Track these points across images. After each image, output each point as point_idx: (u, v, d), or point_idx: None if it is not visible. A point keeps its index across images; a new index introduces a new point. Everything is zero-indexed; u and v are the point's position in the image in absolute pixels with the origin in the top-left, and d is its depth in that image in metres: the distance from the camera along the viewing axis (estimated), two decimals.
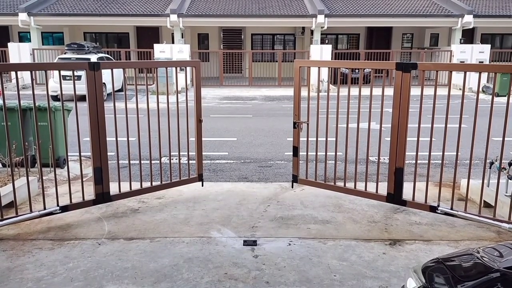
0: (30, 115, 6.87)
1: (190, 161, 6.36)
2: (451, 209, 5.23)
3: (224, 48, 25.83)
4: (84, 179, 5.58)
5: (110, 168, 5.57)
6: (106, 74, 5.85)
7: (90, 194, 5.61)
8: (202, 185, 6.42)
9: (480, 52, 20.90)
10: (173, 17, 20.59)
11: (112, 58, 20.66)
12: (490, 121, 4.94)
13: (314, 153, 6.26)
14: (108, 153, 5.51)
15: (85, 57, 16.80)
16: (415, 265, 3.14)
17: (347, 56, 22.83)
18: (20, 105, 5.03)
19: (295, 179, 6.35)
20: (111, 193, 5.59)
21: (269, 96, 18.77)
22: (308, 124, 6.11)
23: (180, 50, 20.53)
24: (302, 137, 6.20)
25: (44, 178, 5.72)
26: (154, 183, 6.03)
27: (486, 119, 5.01)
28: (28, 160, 6.07)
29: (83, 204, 5.45)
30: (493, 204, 5.12)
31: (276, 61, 22.18)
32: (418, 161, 5.53)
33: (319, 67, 6.08)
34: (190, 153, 6.26)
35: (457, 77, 16.85)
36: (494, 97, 5.14)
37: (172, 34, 22.42)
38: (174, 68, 6.25)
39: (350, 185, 5.95)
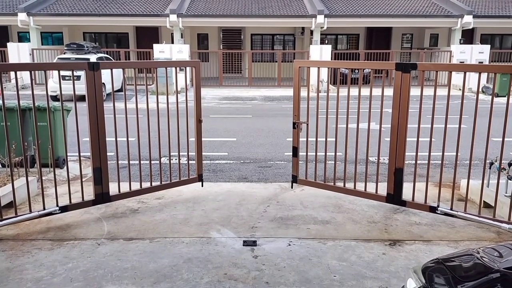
0: (30, 115, 6.86)
1: (190, 162, 6.35)
2: (451, 209, 5.23)
3: (223, 48, 25.83)
4: (83, 180, 5.58)
5: (109, 169, 5.57)
6: (105, 74, 5.86)
7: (89, 194, 5.61)
8: (202, 186, 6.42)
9: (480, 53, 20.91)
10: (173, 17, 20.59)
11: (111, 58, 20.65)
12: (490, 122, 4.94)
13: (314, 154, 6.26)
14: (108, 153, 5.51)
15: (84, 57, 16.78)
16: (415, 266, 3.13)
17: (347, 56, 22.84)
18: (19, 105, 5.03)
19: (294, 180, 6.34)
20: (111, 193, 5.58)
21: (268, 96, 18.77)
22: (307, 124, 6.10)
23: (180, 50, 20.52)
24: (301, 137, 6.20)
25: (43, 178, 5.71)
26: (153, 184, 6.02)
27: (486, 120, 5.01)
28: (28, 160, 6.06)
29: (83, 204, 5.44)
30: (493, 205, 5.12)
31: (276, 61, 22.18)
32: (418, 162, 5.53)
33: (318, 67, 6.08)
34: (189, 153, 6.25)
35: (456, 77, 16.84)
36: (494, 97, 5.14)
37: (172, 34, 22.42)
38: (173, 68, 6.25)
39: (349, 185, 5.95)
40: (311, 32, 22.52)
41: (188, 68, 6.80)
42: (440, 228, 5.20)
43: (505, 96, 5.14)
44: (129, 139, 5.63)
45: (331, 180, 6.11)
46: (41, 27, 21.83)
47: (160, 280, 4.04)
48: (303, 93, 6.28)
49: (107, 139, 5.44)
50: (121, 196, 5.72)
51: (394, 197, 5.55)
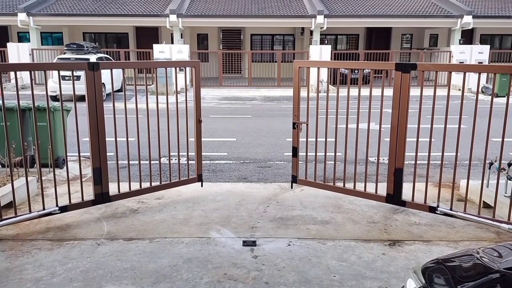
0: (29, 115, 6.87)
1: (190, 162, 6.35)
2: (451, 209, 5.23)
3: (223, 48, 25.83)
4: (83, 180, 5.57)
5: (109, 169, 5.56)
6: (105, 74, 5.86)
7: (89, 194, 5.60)
8: (202, 186, 6.42)
9: (480, 53, 20.92)
10: (173, 17, 20.59)
11: (111, 58, 20.65)
12: (490, 122, 4.94)
13: (314, 154, 6.26)
14: (108, 154, 5.51)
15: (84, 57, 16.78)
16: (415, 266, 3.13)
17: (347, 56, 22.85)
18: (19, 105, 5.02)
19: (294, 180, 6.34)
20: (110, 193, 5.58)
21: (268, 97, 18.77)
22: (307, 124, 6.11)
23: (180, 51, 20.53)
24: (301, 137, 6.20)
25: (43, 178, 5.71)
26: (153, 184, 6.02)
27: (485, 120, 5.01)
28: (27, 160, 6.06)
29: (82, 204, 5.44)
30: (493, 205, 5.12)
31: (276, 62, 22.19)
32: (418, 162, 5.53)
33: (318, 68, 6.08)
34: (189, 154, 6.25)
35: (456, 77, 16.85)
36: (493, 97, 5.14)
37: (172, 34, 22.42)
38: (173, 68, 6.24)
39: (349, 185, 5.95)
40: (311, 32, 22.53)
41: (188, 68, 6.80)
42: (440, 228, 5.20)
43: (504, 96, 5.15)
44: (129, 139, 5.63)
45: (331, 180, 6.11)
46: (41, 27, 21.82)
47: (160, 280, 4.04)
48: (303, 93, 6.28)
49: (106, 139, 5.43)
50: (120, 196, 5.72)
51: (394, 197, 5.55)
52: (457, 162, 5.26)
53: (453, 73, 5.34)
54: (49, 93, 7.61)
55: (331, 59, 20.62)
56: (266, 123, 12.72)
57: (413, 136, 5.44)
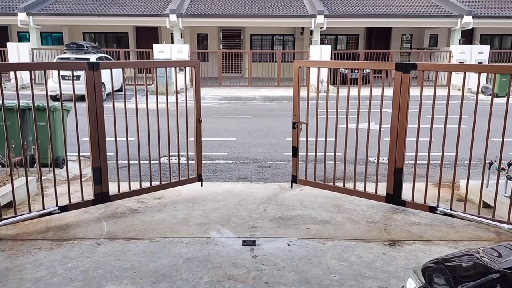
0: (29, 115, 6.86)
1: (190, 161, 6.35)
2: (451, 209, 5.23)
3: (223, 48, 25.83)
4: (83, 179, 5.57)
5: (109, 168, 5.56)
6: (105, 74, 5.86)
7: (89, 194, 5.60)
8: (202, 185, 6.42)
9: (479, 53, 20.92)
10: (173, 17, 20.58)
11: (111, 58, 20.64)
12: (490, 122, 4.94)
13: (314, 154, 6.26)
14: (107, 153, 5.50)
15: (84, 57, 16.78)
16: (415, 266, 3.13)
17: (347, 56, 22.85)
18: (19, 105, 5.02)
19: (294, 180, 6.34)
20: (110, 193, 5.58)
21: (268, 97, 18.77)
22: (307, 124, 6.10)
23: (180, 50, 20.52)
24: (301, 137, 6.20)
25: (43, 178, 5.70)
26: (153, 183, 6.02)
27: (485, 120, 5.01)
28: (27, 160, 6.06)
29: (82, 204, 5.44)
30: (492, 205, 5.12)
31: (276, 62, 22.19)
32: (418, 162, 5.53)
33: (318, 68, 6.08)
34: (189, 153, 6.25)
35: (456, 77, 16.86)
36: (493, 97, 5.14)
37: (172, 34, 22.41)
38: (173, 68, 6.24)
39: (349, 185, 5.95)
40: (311, 32, 22.53)
41: (187, 68, 6.80)
42: (440, 228, 5.20)
43: (504, 96, 5.15)
44: (129, 139, 5.62)
45: (331, 180, 6.11)
46: (41, 27, 21.82)
47: (160, 280, 4.04)
48: (303, 93, 6.28)
49: (106, 139, 5.43)
50: (120, 196, 5.72)
51: (394, 197, 5.55)
52: (457, 162, 5.26)
53: (453, 73, 5.34)
54: (49, 93, 7.62)
55: (331, 59, 20.62)
56: (266, 123, 12.72)
57: (413, 136, 5.44)
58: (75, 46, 17.79)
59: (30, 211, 5.08)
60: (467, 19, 20.77)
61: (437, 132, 5.57)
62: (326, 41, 24.10)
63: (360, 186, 5.85)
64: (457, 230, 5.15)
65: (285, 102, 17.01)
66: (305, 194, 6.29)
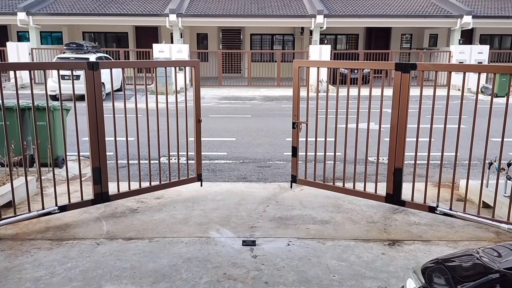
0: (29, 114, 6.86)
1: (189, 161, 6.35)
2: (450, 209, 5.23)
3: (223, 48, 25.82)
4: (82, 179, 5.57)
5: (108, 168, 5.56)
6: (105, 74, 5.85)
7: (88, 194, 5.60)
8: (201, 185, 6.42)
9: (479, 53, 20.93)
10: (172, 17, 20.58)
11: (111, 58, 20.63)
12: (489, 122, 4.94)
13: (313, 153, 6.26)
14: (107, 153, 5.50)
15: (84, 56, 16.77)
16: (415, 266, 3.13)
17: (346, 56, 22.85)
18: (18, 105, 5.02)
19: (294, 179, 6.34)
20: (110, 193, 5.58)
21: (268, 96, 18.77)
22: (307, 124, 6.10)
23: (179, 50, 20.52)
24: (301, 137, 6.20)
25: (42, 178, 5.70)
26: (153, 183, 6.02)
27: (485, 120, 5.01)
28: (27, 159, 6.05)
29: (82, 204, 5.44)
30: (492, 205, 5.12)
31: (275, 61, 22.20)
32: (417, 162, 5.53)
33: (318, 67, 6.08)
34: (189, 153, 6.25)
35: (456, 77, 16.86)
36: (493, 97, 5.14)
37: (171, 34, 22.41)
38: (173, 68, 6.24)
39: (349, 185, 5.95)
40: (311, 32, 22.53)
41: (187, 68, 6.80)
42: (439, 228, 5.20)
43: (504, 96, 5.15)
44: (129, 139, 5.62)
45: (331, 180, 6.11)
46: (41, 26, 21.80)
47: (159, 280, 4.03)
48: (303, 93, 6.28)
49: (106, 138, 5.43)
50: (120, 195, 5.72)
51: (394, 197, 5.55)
52: (457, 162, 5.26)
53: (452, 73, 5.34)
54: (49, 93, 7.61)
55: (330, 59, 20.63)
56: (265, 122, 12.72)
57: (413, 136, 5.44)
58: (74, 45, 17.78)
59: (29, 210, 5.08)
60: (467, 19, 20.78)
61: (436, 132, 5.57)
62: (325, 41, 24.10)
63: (359, 186, 5.85)
64: (457, 230, 5.15)
65: (285, 102, 17.01)
66: (305, 194, 6.29)
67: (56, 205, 5.22)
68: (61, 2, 22.36)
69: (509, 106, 4.69)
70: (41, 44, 23.28)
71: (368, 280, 4.06)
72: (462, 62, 20.25)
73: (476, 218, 5.09)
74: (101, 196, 5.50)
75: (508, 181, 5.46)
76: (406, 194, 5.52)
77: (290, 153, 6.40)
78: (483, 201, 5.45)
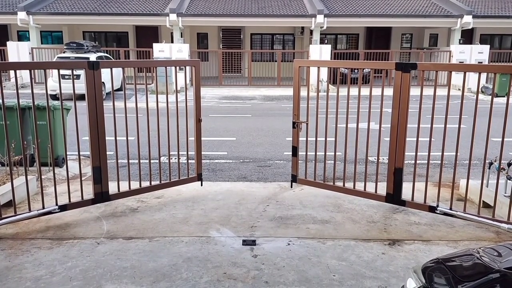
0: (29, 114, 6.86)
1: (189, 161, 6.35)
2: (450, 209, 5.23)
3: (223, 47, 25.82)
4: (83, 179, 5.57)
5: (109, 168, 5.56)
6: (105, 73, 5.84)
7: (89, 193, 5.60)
8: (201, 185, 6.42)
9: (479, 53, 20.92)
10: (173, 17, 20.57)
11: (111, 57, 20.63)
12: (490, 122, 4.94)
13: (313, 153, 6.26)
14: (107, 153, 5.50)
15: (84, 56, 16.78)
16: (415, 265, 3.14)
17: (347, 56, 22.84)
18: (19, 104, 5.02)
19: (294, 179, 6.34)
20: (110, 192, 5.58)
21: (268, 96, 18.77)
22: (307, 124, 6.10)
23: (180, 50, 20.51)
24: (301, 137, 6.20)
25: (43, 177, 5.70)
26: (153, 183, 6.02)
27: (485, 120, 5.01)
28: (27, 159, 6.05)
29: (82, 203, 5.44)
30: (492, 205, 5.12)
31: (276, 61, 22.18)
32: (418, 161, 5.53)
33: (318, 67, 6.08)
34: (189, 153, 6.25)
35: (456, 77, 16.87)
36: (493, 97, 5.14)
37: (172, 33, 22.41)
38: (173, 68, 6.24)
39: (349, 185, 5.95)
40: (311, 31, 22.52)
41: (187, 68, 6.79)
42: (440, 228, 5.20)
43: (504, 96, 5.15)
44: (129, 138, 5.62)
45: (331, 179, 6.11)
46: (41, 26, 21.79)
47: (160, 279, 4.03)
48: (303, 92, 6.28)
49: (106, 138, 5.43)
50: (120, 195, 5.72)
51: (394, 196, 5.55)
52: (457, 161, 5.26)
53: (453, 73, 5.34)
54: (49, 92, 7.61)
55: (331, 59, 20.62)
56: (266, 122, 12.72)
57: (413, 136, 5.44)
58: (75, 45, 17.78)
59: (30, 210, 5.08)
60: (467, 19, 20.77)
61: (437, 132, 5.57)
62: (326, 41, 24.10)
63: (360, 186, 5.85)
64: (457, 230, 5.15)
65: (285, 102, 17.01)
66: (305, 193, 6.29)
67: (56, 204, 5.22)
68: (61, 1, 22.36)
69: (509, 106, 4.69)
70: (41, 43, 23.27)
71: (368, 279, 4.06)
72: (462, 62, 20.25)
73: (476, 218, 5.09)
74: (101, 196, 5.50)
75: (508, 181, 5.46)
76: (406, 194, 5.52)
77: (290, 153, 6.40)
78: (483, 201, 5.44)
